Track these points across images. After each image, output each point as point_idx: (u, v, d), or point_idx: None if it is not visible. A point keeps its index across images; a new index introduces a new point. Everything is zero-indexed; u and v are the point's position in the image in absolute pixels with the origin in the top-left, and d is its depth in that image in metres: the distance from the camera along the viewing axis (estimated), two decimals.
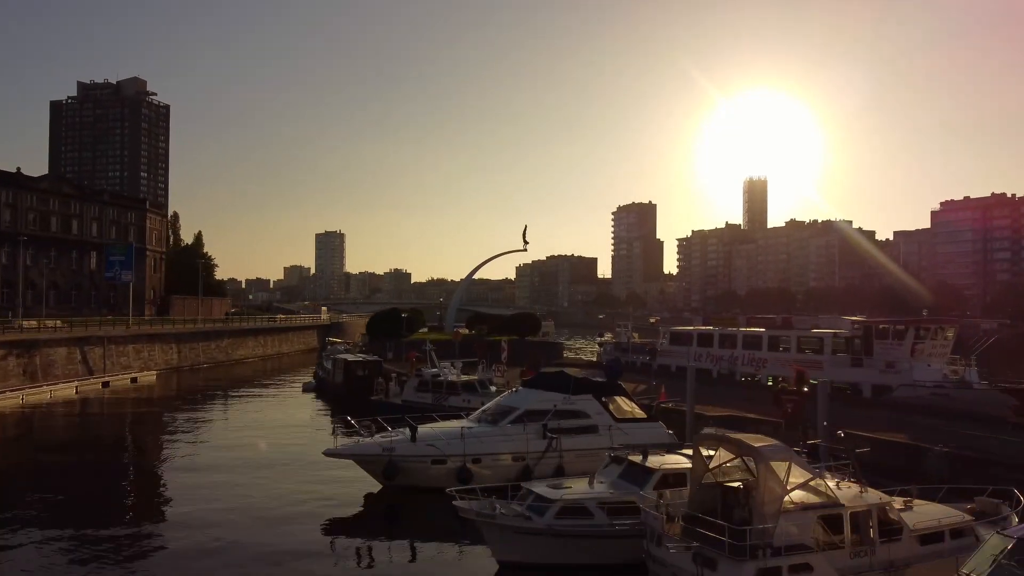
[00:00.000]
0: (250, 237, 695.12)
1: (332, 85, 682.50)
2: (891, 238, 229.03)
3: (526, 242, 79.62)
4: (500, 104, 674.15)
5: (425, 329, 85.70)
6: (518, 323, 66.03)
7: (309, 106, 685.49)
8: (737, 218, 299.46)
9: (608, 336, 64.15)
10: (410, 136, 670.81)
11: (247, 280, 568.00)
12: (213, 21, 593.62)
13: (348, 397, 45.55)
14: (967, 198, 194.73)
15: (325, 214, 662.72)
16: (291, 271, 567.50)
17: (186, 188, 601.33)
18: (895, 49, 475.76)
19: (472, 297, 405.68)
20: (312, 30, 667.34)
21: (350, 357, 50.51)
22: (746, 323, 47.98)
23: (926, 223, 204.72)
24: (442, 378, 38.13)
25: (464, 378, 38.49)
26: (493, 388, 38.03)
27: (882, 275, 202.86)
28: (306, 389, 54.27)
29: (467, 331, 79.05)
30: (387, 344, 58.94)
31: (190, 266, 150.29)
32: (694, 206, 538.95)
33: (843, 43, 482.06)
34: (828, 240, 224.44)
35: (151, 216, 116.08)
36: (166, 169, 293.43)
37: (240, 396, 55.31)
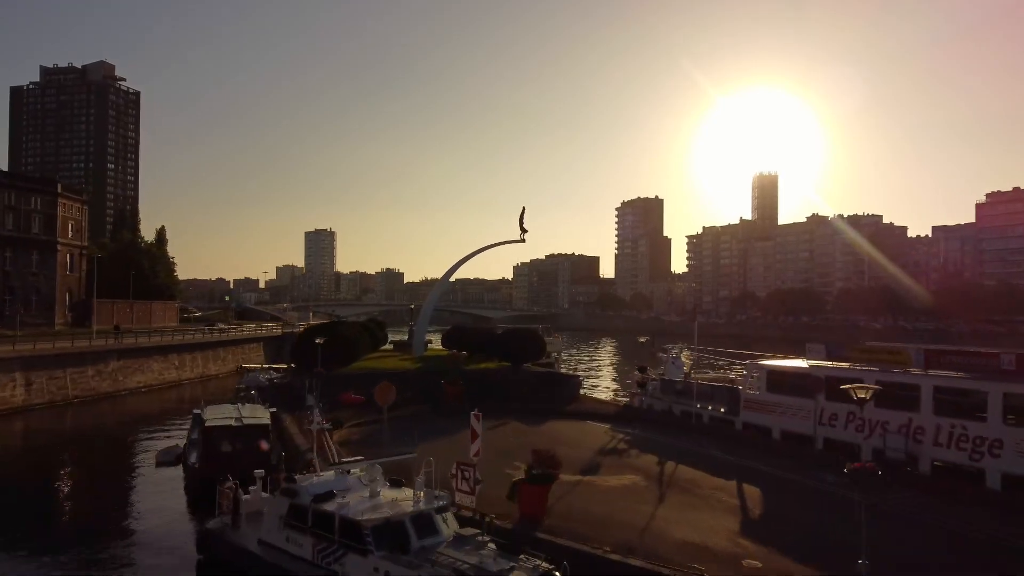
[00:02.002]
0: (243, 235, 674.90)
1: (324, 78, 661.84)
2: (925, 234, 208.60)
3: (524, 230, 58.59)
4: (496, 100, 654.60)
5: (390, 345, 64.67)
6: (513, 343, 44.72)
7: (301, 100, 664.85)
8: (742, 217, 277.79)
9: (643, 371, 42.81)
10: (405, 132, 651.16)
11: (235, 280, 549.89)
12: (197, 7, 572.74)
13: (198, 496, 24.67)
14: (1017, 189, 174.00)
15: (316, 212, 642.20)
16: (283, 271, 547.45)
17: (172, 183, 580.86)
18: (898, 45, 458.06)
19: (467, 298, 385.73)
20: (303, 21, 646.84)
21: (213, 418, 29.06)
22: (923, 358, 26.73)
23: (950, 218, 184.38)
24: (334, 510, 16.82)
25: (390, 506, 17.03)
26: (447, 532, 16.67)
27: (923, 274, 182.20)
28: (162, 462, 32.84)
29: (443, 350, 58.12)
30: (311, 381, 37.57)
31: (138, 265, 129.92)
32: (695, 206, 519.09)
33: (844, 40, 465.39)
34: (856, 236, 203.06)
35: (65, 202, 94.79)
36: (136, 160, 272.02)
37: (57, 475, 34.05)
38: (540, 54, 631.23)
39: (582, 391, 43.13)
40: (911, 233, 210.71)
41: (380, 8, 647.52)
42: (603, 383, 75.30)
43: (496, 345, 46.69)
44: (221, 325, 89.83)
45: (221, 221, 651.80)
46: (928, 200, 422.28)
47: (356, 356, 43.79)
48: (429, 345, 66.87)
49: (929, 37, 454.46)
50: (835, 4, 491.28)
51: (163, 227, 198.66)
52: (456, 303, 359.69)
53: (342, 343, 41.78)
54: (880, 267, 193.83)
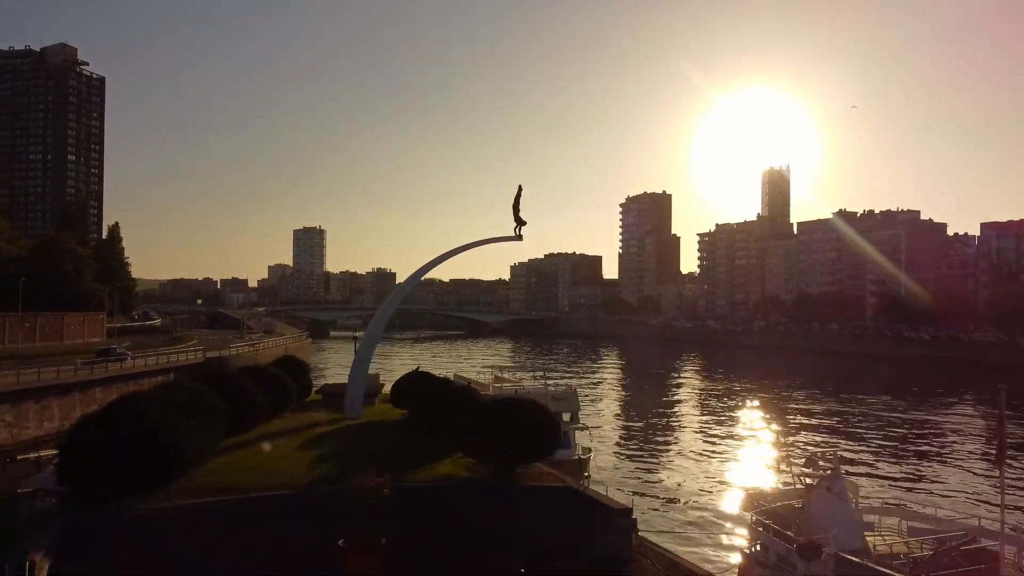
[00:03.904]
0: (237, 234, 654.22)
1: (315, 72, 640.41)
2: (964, 232, 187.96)
3: (520, 220, 37.85)
4: (493, 97, 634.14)
5: (318, 395, 43.40)
6: (504, 427, 23.02)
7: (292, 95, 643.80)
8: (759, 213, 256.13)
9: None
10: (399, 129, 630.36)
11: (222, 280, 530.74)
12: (188, 3, 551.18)
13: None
14: None
15: (308, 210, 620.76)
16: (275, 270, 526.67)
17: (163, 181, 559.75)
18: (897, 44, 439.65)
19: (461, 300, 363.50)
20: (294, 18, 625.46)
21: None
22: None
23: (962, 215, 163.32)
24: None
25: None
26: None
27: (971, 276, 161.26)
28: None
29: (394, 411, 37.10)
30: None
31: (57, 267, 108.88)
32: (698, 204, 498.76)
33: (844, 38, 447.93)
34: (893, 234, 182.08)
35: None
36: (100, 151, 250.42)
37: None
38: (537, 52, 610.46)
39: (637, 530, 21.72)
40: (952, 230, 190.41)
41: (374, 4, 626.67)
42: (637, 442, 53.60)
43: (474, 425, 25.00)
44: (122, 349, 68.40)
45: (215, 219, 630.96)
46: (931, 199, 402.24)
47: (179, 465, 21.90)
48: (383, 389, 45.69)
49: (927, 35, 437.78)
50: (835, 4, 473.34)
51: (116, 223, 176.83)
52: (449, 306, 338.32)
53: (144, 445, 20.08)
54: (917, 266, 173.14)
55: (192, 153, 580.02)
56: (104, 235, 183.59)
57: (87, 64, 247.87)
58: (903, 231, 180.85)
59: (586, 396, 76.02)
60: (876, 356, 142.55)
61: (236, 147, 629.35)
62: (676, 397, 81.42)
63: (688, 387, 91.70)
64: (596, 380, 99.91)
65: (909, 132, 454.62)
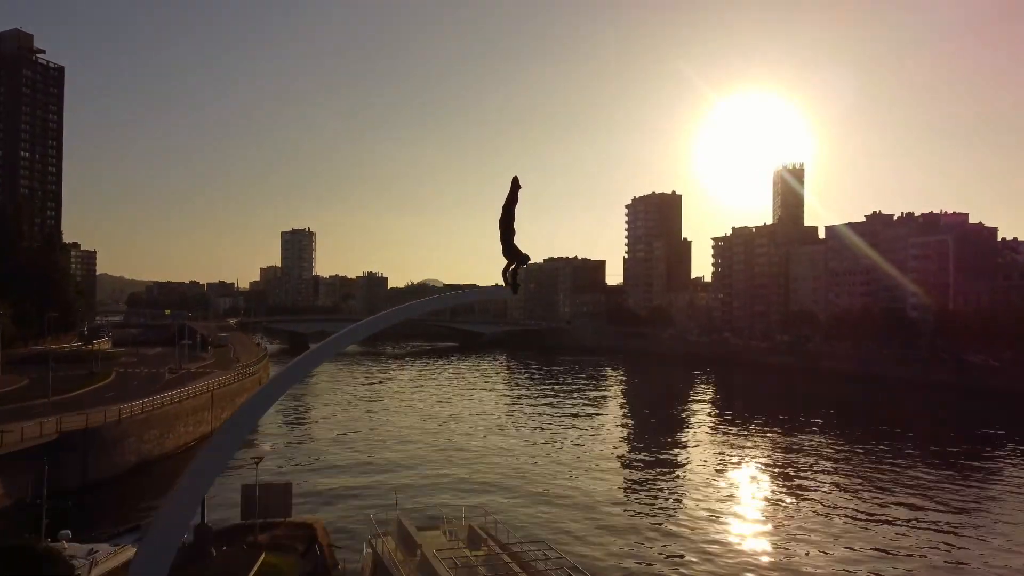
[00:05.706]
0: (228, 235, 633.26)
1: (310, 69, 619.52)
2: (1014, 237, 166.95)
3: (519, 257, 15.32)
4: (491, 99, 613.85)
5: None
6: None
7: (284, 93, 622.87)
8: (778, 216, 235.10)
9: None
10: (395, 128, 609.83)
11: (209, 284, 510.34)
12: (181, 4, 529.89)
13: None
14: None
15: (298, 210, 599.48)
16: (266, 272, 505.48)
17: (146, 179, 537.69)
18: (893, 47, 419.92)
19: (457, 307, 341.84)
20: (287, 17, 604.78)
21: None
22: None
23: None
24: None
25: None
26: None
27: None
28: None
29: None
30: None
31: None
32: (703, 206, 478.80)
33: (842, 42, 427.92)
34: (938, 240, 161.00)
35: None
36: (58, 147, 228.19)
37: None
38: (536, 53, 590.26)
39: None
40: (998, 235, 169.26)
41: (370, 4, 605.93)
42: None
43: None
44: None
45: (208, 220, 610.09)
46: (935, 200, 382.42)
47: None
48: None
49: (914, 38, 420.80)
50: (836, 4, 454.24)
51: (57, 229, 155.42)
52: (443, 315, 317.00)
53: None
54: (968, 277, 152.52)
55: (184, 152, 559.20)
56: (68, 242, 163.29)
57: (43, 52, 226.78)
58: (950, 237, 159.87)
59: (598, 453, 53.45)
60: (933, 384, 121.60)
61: (229, 146, 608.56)
62: (726, 459, 60.05)
63: (733, 440, 70.38)
64: (607, 424, 78.50)
65: (910, 133, 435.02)
